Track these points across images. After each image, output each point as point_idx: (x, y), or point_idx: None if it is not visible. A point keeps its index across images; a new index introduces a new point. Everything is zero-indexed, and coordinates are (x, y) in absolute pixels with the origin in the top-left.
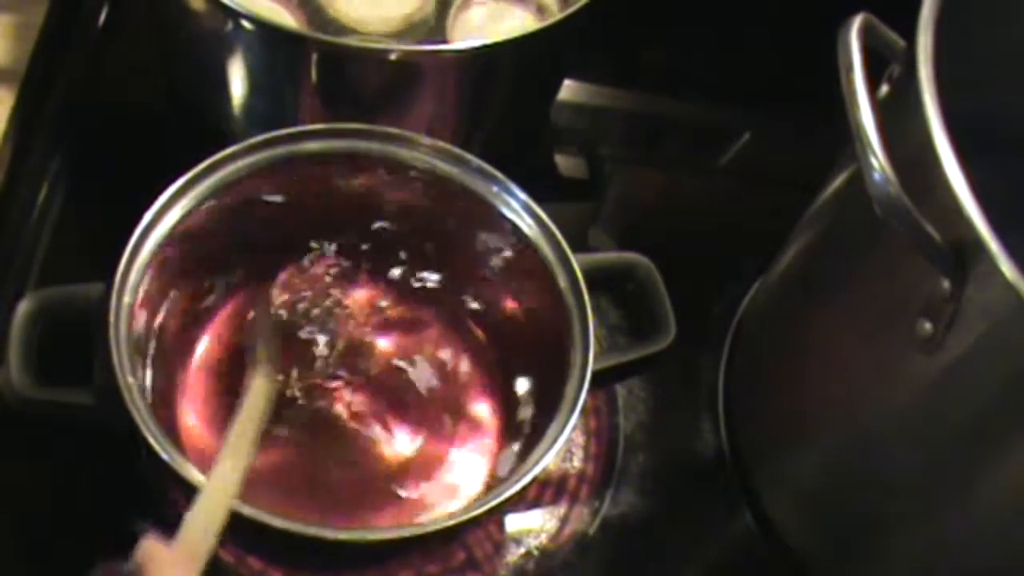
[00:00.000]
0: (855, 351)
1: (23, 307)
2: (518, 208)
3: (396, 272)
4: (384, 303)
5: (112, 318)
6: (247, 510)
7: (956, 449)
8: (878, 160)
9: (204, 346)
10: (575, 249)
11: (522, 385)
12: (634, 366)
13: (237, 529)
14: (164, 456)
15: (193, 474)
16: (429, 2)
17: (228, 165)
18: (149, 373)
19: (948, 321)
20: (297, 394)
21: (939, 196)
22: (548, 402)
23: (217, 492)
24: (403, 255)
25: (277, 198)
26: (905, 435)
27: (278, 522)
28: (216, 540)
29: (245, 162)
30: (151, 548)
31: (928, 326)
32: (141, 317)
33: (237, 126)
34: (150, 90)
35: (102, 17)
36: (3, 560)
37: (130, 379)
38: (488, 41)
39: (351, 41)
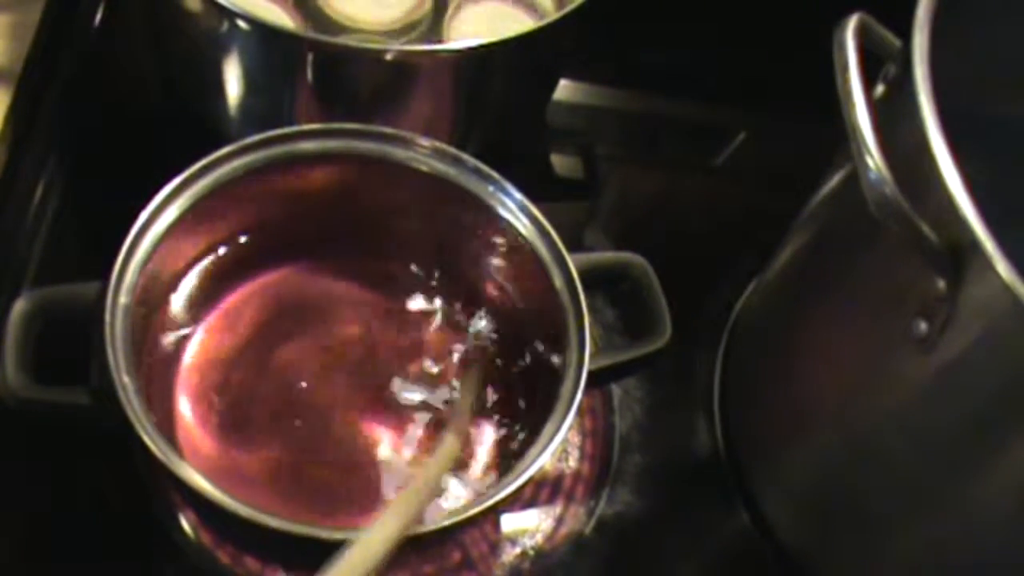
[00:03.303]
0: (851, 350)
1: (19, 306)
2: (514, 208)
3: (391, 272)
4: (379, 302)
5: (108, 317)
6: (244, 509)
7: (952, 448)
8: (874, 160)
9: (201, 345)
10: (571, 249)
11: (517, 384)
12: (630, 366)
13: (234, 529)
14: (160, 456)
15: (189, 473)
16: (426, 2)
17: (224, 165)
18: (145, 372)
19: (944, 321)
20: (295, 394)
21: (935, 196)
22: (544, 402)
23: (376, 543)
24: (398, 255)
25: (272, 198)
26: (901, 434)
27: (275, 522)
28: None
29: (241, 162)
30: None
31: (924, 326)
32: (138, 316)
33: (233, 126)
34: (146, 90)
35: (98, 16)
36: (3, 560)
37: (126, 379)
38: (484, 41)
39: (348, 41)
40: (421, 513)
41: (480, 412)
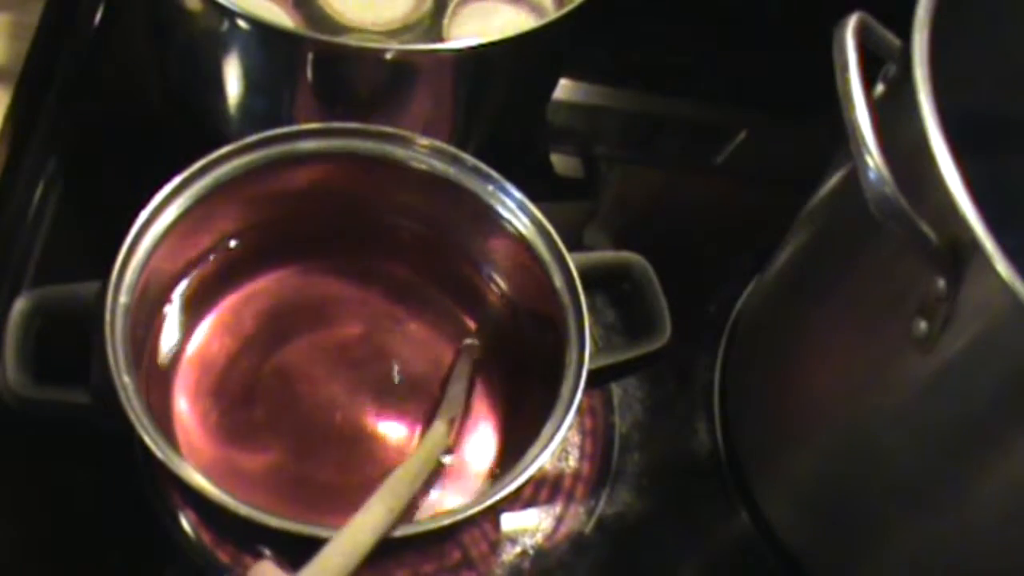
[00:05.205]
0: (850, 350)
1: (19, 306)
2: (514, 207)
3: (390, 271)
4: (379, 302)
5: (108, 317)
6: (244, 509)
7: (952, 448)
8: (873, 159)
9: (201, 345)
10: (571, 248)
11: (517, 384)
12: (630, 365)
13: (234, 528)
14: (160, 455)
15: (189, 473)
16: (425, 1)
17: (224, 164)
18: (145, 372)
19: (943, 320)
20: (294, 394)
21: (935, 195)
22: (544, 401)
23: (363, 529)
24: (398, 254)
25: (271, 197)
26: (901, 434)
27: (274, 521)
28: None
29: (241, 161)
30: (267, 572)
31: (923, 325)
32: (137, 316)
33: (233, 125)
34: (146, 89)
35: (98, 16)
36: (3, 560)
37: (126, 378)
38: (484, 40)
39: (347, 40)
40: (409, 498)
41: (471, 400)
